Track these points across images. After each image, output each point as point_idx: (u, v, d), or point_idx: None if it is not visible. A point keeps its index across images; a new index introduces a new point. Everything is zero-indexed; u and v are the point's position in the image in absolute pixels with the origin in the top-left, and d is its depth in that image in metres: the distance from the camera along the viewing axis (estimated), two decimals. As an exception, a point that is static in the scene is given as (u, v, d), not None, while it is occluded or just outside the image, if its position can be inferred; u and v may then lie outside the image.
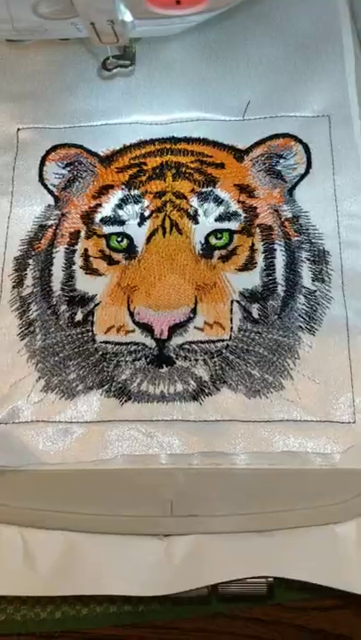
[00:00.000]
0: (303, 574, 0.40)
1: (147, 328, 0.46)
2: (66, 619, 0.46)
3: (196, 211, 0.48)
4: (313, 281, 0.47)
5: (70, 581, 0.41)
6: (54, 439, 0.44)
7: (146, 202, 0.49)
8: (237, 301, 0.46)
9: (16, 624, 0.46)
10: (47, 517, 0.43)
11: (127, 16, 0.36)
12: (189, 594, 0.40)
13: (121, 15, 0.35)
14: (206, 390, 0.45)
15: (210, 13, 0.37)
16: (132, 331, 0.46)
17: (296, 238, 0.48)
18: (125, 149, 0.51)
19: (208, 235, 0.48)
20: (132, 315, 0.46)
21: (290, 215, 0.48)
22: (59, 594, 0.42)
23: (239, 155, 0.50)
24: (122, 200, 0.49)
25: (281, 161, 0.50)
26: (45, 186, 0.51)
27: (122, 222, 0.49)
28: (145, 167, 0.50)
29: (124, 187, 0.50)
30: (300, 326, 0.46)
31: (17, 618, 0.46)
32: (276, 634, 0.45)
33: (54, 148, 0.51)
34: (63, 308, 0.47)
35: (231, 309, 0.46)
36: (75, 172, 0.51)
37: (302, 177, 0.49)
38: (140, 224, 0.48)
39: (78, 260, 0.48)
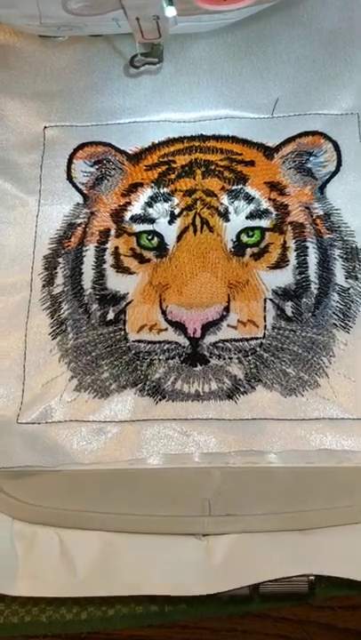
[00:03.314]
0: (345, 571, 0.40)
1: (180, 327, 0.45)
2: (92, 619, 0.45)
3: (226, 209, 0.48)
4: (346, 278, 0.47)
5: (108, 582, 0.41)
6: (88, 439, 0.44)
7: (176, 200, 0.49)
8: (271, 299, 0.46)
9: (42, 625, 0.45)
10: (83, 518, 0.42)
11: (171, 11, 0.35)
12: (231, 593, 0.40)
13: (166, 10, 0.35)
14: (241, 389, 0.44)
15: (251, 10, 0.37)
16: (165, 329, 0.46)
17: (328, 236, 0.48)
18: (154, 147, 0.51)
19: (239, 232, 0.47)
20: (164, 313, 0.46)
21: (321, 213, 0.48)
22: (96, 594, 0.41)
23: (269, 152, 0.50)
24: (151, 198, 0.49)
25: (311, 158, 0.50)
26: (74, 184, 0.50)
27: (152, 220, 0.48)
28: (174, 165, 0.50)
29: (153, 185, 0.49)
30: (335, 324, 0.46)
31: (42, 619, 0.45)
32: (304, 633, 0.45)
33: (82, 146, 0.51)
34: (94, 306, 0.47)
35: (265, 307, 0.46)
36: (103, 170, 0.51)
37: (333, 174, 0.49)
38: (170, 222, 0.48)
39: (109, 259, 0.48)
